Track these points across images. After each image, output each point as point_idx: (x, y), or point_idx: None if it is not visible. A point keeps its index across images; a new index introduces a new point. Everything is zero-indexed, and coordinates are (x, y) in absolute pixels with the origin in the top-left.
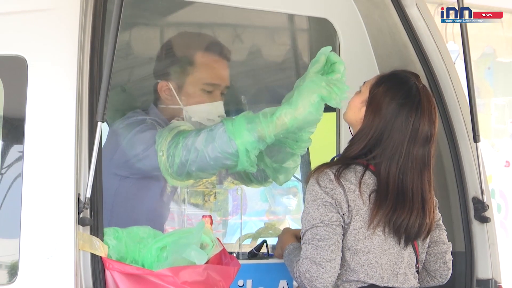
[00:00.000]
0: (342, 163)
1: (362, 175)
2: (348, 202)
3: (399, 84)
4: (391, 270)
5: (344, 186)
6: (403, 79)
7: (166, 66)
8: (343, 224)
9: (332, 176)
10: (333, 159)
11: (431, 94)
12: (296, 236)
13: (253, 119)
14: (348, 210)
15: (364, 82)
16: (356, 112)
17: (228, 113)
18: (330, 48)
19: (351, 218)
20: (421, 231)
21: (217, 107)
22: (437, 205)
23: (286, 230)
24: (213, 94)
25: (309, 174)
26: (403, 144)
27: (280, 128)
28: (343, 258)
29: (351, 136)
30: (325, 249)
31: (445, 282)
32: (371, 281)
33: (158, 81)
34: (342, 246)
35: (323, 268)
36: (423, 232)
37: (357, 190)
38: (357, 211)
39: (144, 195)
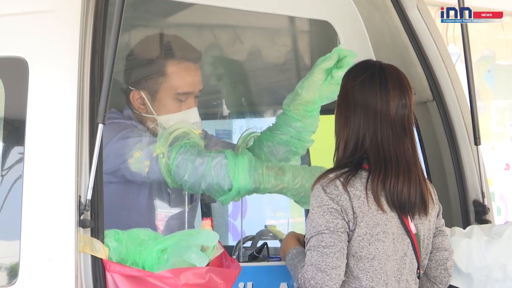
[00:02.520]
0: (350, 169)
1: (367, 181)
2: (353, 208)
3: (361, 66)
4: (394, 277)
5: (350, 192)
6: (364, 62)
7: (136, 75)
8: (348, 231)
9: (339, 183)
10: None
11: (399, 69)
12: (300, 240)
13: (256, 168)
14: (354, 217)
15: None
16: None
17: (230, 115)
18: (342, 46)
19: (356, 225)
20: (411, 201)
21: (191, 115)
22: (441, 211)
23: (290, 233)
24: (186, 102)
25: (315, 180)
26: (376, 113)
27: (275, 190)
28: (346, 265)
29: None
30: (330, 256)
31: None
32: None
33: (131, 89)
34: (346, 253)
35: (328, 275)
36: (416, 205)
37: (362, 196)
38: (362, 218)
39: (133, 199)
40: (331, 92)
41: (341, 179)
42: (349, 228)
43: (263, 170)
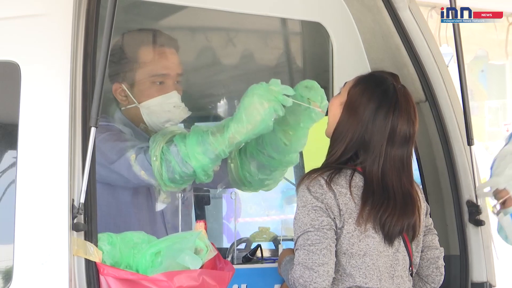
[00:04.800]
0: (334, 168)
1: (351, 178)
2: (339, 206)
3: (376, 85)
4: (387, 273)
5: (335, 190)
6: (380, 79)
7: (115, 68)
8: (335, 228)
9: (323, 182)
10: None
11: (410, 94)
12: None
13: (204, 139)
14: (340, 214)
15: (345, 84)
16: (335, 113)
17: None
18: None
19: (343, 222)
20: (403, 230)
21: (171, 98)
22: (428, 210)
23: (286, 249)
24: (164, 85)
25: (300, 180)
26: (382, 145)
27: (233, 145)
28: (338, 263)
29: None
30: (316, 254)
31: (438, 287)
32: (368, 285)
33: (112, 84)
34: (337, 251)
35: (316, 272)
36: (409, 233)
37: (348, 194)
38: (349, 215)
39: (118, 200)
40: (316, 115)
41: (324, 177)
42: (336, 225)
43: (210, 138)
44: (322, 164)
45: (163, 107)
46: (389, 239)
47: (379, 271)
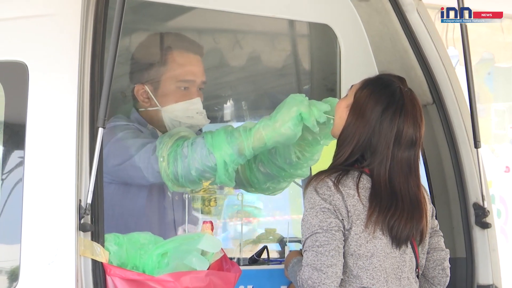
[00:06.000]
0: (341, 170)
1: (359, 179)
2: (347, 207)
3: (383, 87)
4: (394, 274)
5: (343, 192)
6: (387, 82)
7: (140, 69)
8: (343, 230)
9: (331, 183)
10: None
11: (416, 98)
12: (301, 255)
13: (232, 132)
14: (348, 216)
15: (352, 86)
16: (342, 115)
17: (231, 118)
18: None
19: (351, 223)
20: (411, 235)
21: (194, 104)
22: (434, 212)
23: (293, 251)
24: (189, 91)
25: (308, 182)
26: (389, 148)
27: (258, 142)
28: (345, 265)
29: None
30: (325, 255)
31: None
32: (375, 287)
33: (135, 84)
34: (344, 252)
35: (324, 273)
36: (416, 237)
37: (356, 195)
38: (357, 216)
39: (131, 201)
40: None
41: (332, 178)
42: (344, 227)
43: (240, 131)
44: (329, 166)
45: (187, 113)
46: (396, 242)
47: (386, 272)
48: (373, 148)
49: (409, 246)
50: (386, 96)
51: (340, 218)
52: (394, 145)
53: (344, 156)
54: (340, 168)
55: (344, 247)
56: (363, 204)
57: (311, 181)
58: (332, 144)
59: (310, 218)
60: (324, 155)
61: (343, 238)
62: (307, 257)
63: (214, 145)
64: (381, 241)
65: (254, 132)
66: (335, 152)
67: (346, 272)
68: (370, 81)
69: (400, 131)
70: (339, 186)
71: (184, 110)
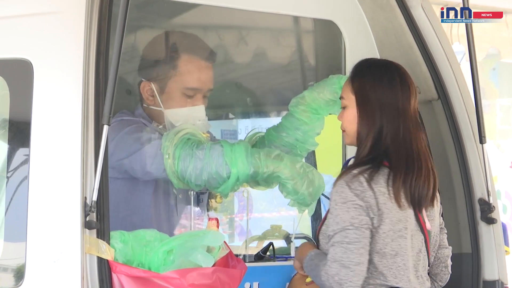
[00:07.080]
0: (372, 166)
1: (388, 177)
2: (378, 205)
3: (378, 67)
4: (413, 272)
5: (375, 189)
6: (378, 62)
7: (149, 66)
8: (371, 228)
9: (363, 179)
10: (347, 161)
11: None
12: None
13: (253, 153)
14: (378, 214)
15: (341, 97)
16: (353, 125)
17: (235, 115)
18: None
19: (380, 221)
20: (429, 195)
21: (198, 111)
22: (441, 211)
23: (305, 242)
24: (194, 98)
25: (338, 176)
26: (399, 113)
27: (275, 177)
28: (370, 261)
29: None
30: (354, 252)
31: (444, 286)
32: (399, 285)
33: (142, 79)
34: (370, 249)
35: (352, 271)
36: (429, 198)
37: (387, 193)
38: (387, 214)
39: (138, 196)
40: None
41: (365, 175)
42: (372, 224)
43: (260, 155)
44: (355, 162)
45: (188, 119)
46: (419, 205)
47: (409, 271)
48: (387, 122)
49: (424, 244)
50: (380, 69)
51: (371, 215)
52: (402, 108)
53: (367, 147)
54: (370, 164)
55: (370, 244)
56: (392, 202)
57: (342, 175)
58: (334, 140)
59: (341, 213)
60: (326, 149)
61: (370, 236)
62: (335, 252)
63: (232, 159)
64: (405, 240)
65: (271, 163)
66: (357, 147)
67: (369, 268)
68: (356, 73)
69: (408, 92)
70: (372, 184)
71: (186, 116)
